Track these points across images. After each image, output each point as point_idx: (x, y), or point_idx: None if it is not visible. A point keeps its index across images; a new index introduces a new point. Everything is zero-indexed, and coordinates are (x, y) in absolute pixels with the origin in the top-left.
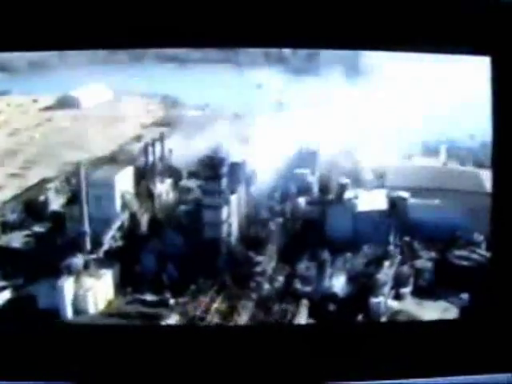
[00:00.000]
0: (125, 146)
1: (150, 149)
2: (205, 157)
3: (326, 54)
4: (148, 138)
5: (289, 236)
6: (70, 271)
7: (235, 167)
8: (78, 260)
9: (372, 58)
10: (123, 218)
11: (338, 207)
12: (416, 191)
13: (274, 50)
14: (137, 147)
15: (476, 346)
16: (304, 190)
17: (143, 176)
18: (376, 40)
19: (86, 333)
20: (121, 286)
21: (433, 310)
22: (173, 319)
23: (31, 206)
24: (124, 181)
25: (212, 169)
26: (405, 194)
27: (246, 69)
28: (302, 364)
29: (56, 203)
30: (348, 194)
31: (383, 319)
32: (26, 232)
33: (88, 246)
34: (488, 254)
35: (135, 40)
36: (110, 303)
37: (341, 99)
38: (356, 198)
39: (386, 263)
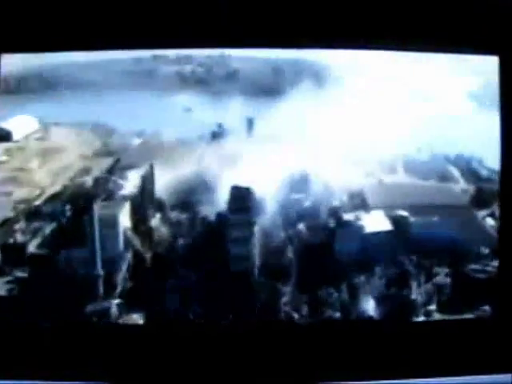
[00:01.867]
0: (75, 179)
1: (116, 181)
2: (230, 187)
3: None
4: (97, 170)
5: (304, 264)
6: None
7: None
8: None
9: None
10: (129, 257)
11: (345, 231)
12: (414, 209)
13: (188, 73)
14: (90, 180)
15: (476, 345)
16: (304, 215)
17: (135, 211)
18: (381, 39)
19: None
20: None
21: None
22: None
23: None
24: (123, 217)
25: (239, 200)
26: (405, 213)
27: (168, 93)
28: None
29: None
30: (348, 217)
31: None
32: (8, 278)
33: (101, 289)
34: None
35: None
36: None
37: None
38: (359, 219)
39: (414, 283)
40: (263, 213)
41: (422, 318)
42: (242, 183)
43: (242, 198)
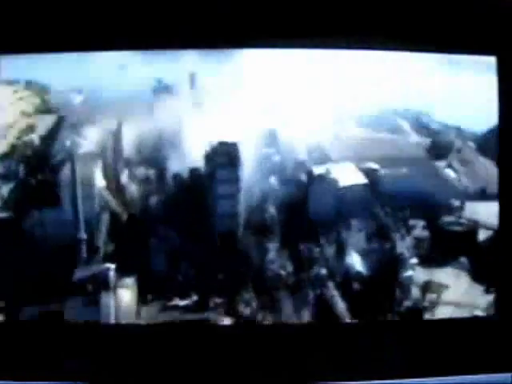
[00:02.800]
0: (21, 137)
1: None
2: (217, 143)
3: None
4: (43, 127)
5: (286, 220)
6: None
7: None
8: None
9: None
10: (106, 218)
11: (318, 185)
12: (382, 162)
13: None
14: (36, 137)
15: (475, 344)
16: (278, 171)
17: (105, 170)
18: (381, 38)
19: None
20: (141, 294)
21: (447, 278)
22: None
23: None
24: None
25: (226, 155)
26: (375, 165)
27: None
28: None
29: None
30: (319, 171)
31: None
32: None
33: (84, 254)
34: (472, 218)
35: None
36: (138, 314)
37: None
38: (329, 173)
39: (393, 236)
40: (242, 169)
41: (409, 273)
42: (205, 139)
43: (227, 154)
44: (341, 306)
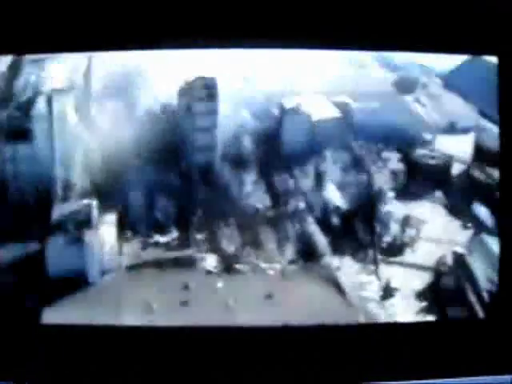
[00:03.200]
0: None
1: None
2: (195, 77)
3: None
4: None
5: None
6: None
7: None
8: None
9: None
10: (81, 154)
11: (291, 118)
12: (354, 96)
13: None
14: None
15: (475, 346)
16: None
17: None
18: (382, 40)
19: None
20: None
21: (424, 213)
22: (209, 260)
23: None
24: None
25: (204, 89)
26: (347, 99)
27: None
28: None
29: None
30: (290, 104)
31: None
32: None
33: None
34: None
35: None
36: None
37: None
38: (300, 106)
39: (369, 168)
40: (218, 102)
41: (387, 207)
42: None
43: (205, 88)
44: (322, 241)
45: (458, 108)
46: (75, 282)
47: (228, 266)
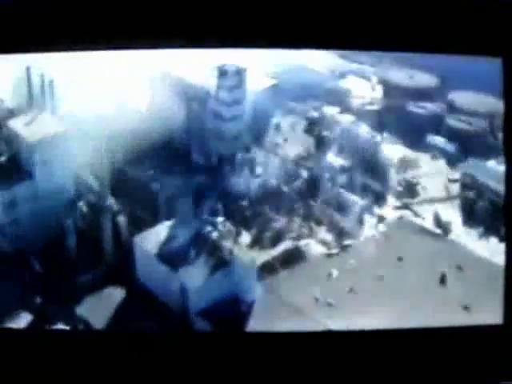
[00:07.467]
0: None
1: None
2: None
3: None
4: None
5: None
6: None
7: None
8: None
9: None
10: None
11: None
12: None
13: None
14: None
15: (482, 354)
16: None
17: None
18: (388, 41)
19: None
20: None
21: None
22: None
23: None
24: None
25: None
26: None
27: None
28: None
29: None
30: None
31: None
32: None
33: None
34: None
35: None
36: None
37: None
38: None
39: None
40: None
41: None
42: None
43: (233, 76)
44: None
45: None
46: None
47: None
